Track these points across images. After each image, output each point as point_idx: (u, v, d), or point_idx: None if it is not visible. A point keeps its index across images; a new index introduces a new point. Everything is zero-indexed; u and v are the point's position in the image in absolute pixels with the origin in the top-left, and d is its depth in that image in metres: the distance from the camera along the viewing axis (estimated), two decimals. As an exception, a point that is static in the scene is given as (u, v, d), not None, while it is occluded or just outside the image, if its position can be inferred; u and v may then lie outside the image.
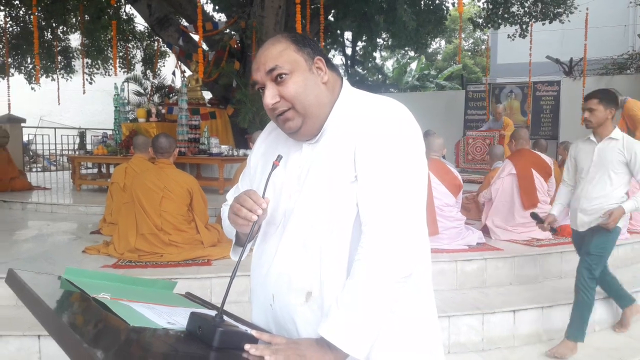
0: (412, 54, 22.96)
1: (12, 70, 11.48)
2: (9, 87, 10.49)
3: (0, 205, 6.68)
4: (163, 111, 8.76)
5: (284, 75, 1.19)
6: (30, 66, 13.37)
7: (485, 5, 11.24)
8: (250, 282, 1.35)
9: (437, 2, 11.83)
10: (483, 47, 24.30)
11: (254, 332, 1.10)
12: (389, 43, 14.50)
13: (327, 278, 1.15)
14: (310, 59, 1.22)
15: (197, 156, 7.45)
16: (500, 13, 10.80)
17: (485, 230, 4.77)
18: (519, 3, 10.76)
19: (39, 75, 9.62)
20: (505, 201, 4.80)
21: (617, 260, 4.27)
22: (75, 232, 5.16)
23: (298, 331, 1.18)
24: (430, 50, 24.47)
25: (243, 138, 8.90)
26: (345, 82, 1.30)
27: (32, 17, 12.22)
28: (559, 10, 10.45)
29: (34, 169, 12.93)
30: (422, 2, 11.74)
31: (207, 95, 10.13)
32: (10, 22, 12.25)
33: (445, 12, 11.92)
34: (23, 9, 12.44)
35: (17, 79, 12.23)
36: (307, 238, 1.19)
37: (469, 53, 24.99)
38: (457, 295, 3.69)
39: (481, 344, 3.38)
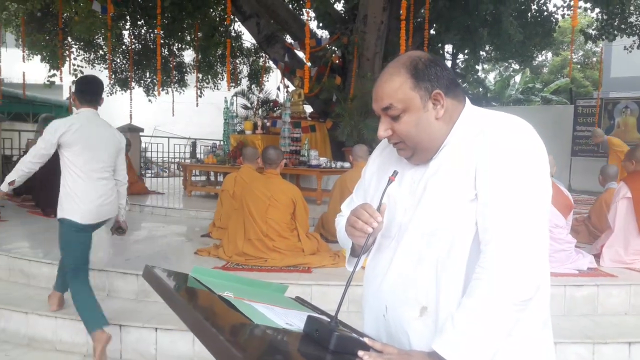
0: (516, 66, 22.02)
1: (132, 84, 12.59)
2: (131, 99, 11.48)
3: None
4: (268, 124, 9.16)
5: (396, 115, 1.22)
6: (149, 80, 14.56)
7: (599, 16, 10.55)
8: (363, 292, 1.39)
9: (545, 13, 11.30)
10: (595, 59, 22.75)
11: (366, 340, 1.13)
12: (492, 55, 14.05)
13: (443, 294, 1.16)
14: (427, 94, 1.21)
15: (297, 167, 7.72)
16: (616, 24, 10.08)
17: (596, 255, 4.47)
18: (638, 12, 9.99)
19: (160, 89, 10.42)
20: (620, 226, 4.46)
21: None
22: (186, 235, 5.55)
23: (410, 344, 1.20)
24: (535, 62, 23.30)
25: (340, 151, 9.06)
26: (468, 103, 1.28)
27: (152, 35, 13.40)
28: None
29: (147, 175, 13.98)
30: (529, 14, 11.28)
31: (308, 108, 10.43)
32: (133, 40, 13.46)
33: (554, 23, 11.34)
34: (144, 27, 13.61)
35: (136, 91, 13.37)
36: (422, 253, 1.20)
37: (579, 66, 23.47)
38: (565, 321, 3.51)
39: (591, 375, 3.19)
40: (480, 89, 22.26)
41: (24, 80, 11.95)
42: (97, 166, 3.33)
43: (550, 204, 3.81)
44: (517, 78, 24.20)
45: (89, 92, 3.47)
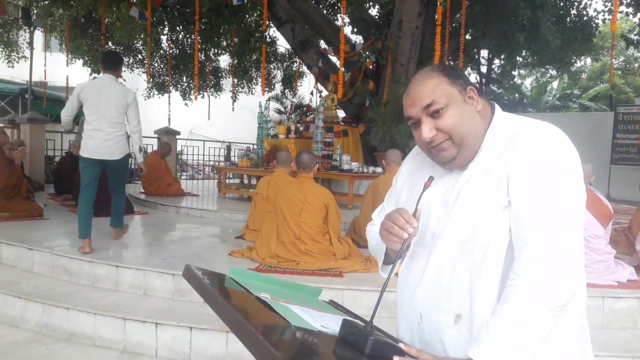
0: (553, 72, 21.56)
1: (170, 88, 12.88)
2: (169, 103, 11.74)
3: (159, 208, 7.52)
4: (301, 128, 9.24)
5: (440, 110, 1.21)
6: (185, 84, 14.87)
7: (641, 21, 10.28)
8: (397, 300, 1.39)
9: (585, 18, 11.04)
10: (636, 65, 22.06)
11: (402, 345, 1.14)
12: (529, 61, 13.81)
13: (477, 302, 1.17)
14: (463, 89, 1.23)
15: (329, 172, 7.75)
16: (659, 29, 9.79)
17: (637, 267, 4.34)
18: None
19: (197, 93, 10.65)
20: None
21: None
22: (220, 236, 5.64)
23: (446, 351, 1.21)
24: (574, 68, 22.78)
25: (372, 156, 9.05)
26: (498, 108, 1.29)
27: (189, 40, 13.69)
28: None
29: (182, 177, 14.25)
30: (568, 19, 11.04)
31: (341, 113, 10.47)
32: (171, 45, 13.78)
33: (594, 28, 11.07)
34: (182, 33, 13.93)
35: (173, 95, 13.66)
36: (456, 261, 1.21)
37: (619, 72, 22.80)
38: (602, 334, 3.42)
39: (630, 389, 3.10)
40: (516, 95, 21.89)
41: (67, 83, 12.39)
42: (104, 118, 4.39)
43: (589, 213, 3.70)
44: (555, 84, 23.68)
45: (110, 61, 4.68)
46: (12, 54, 13.55)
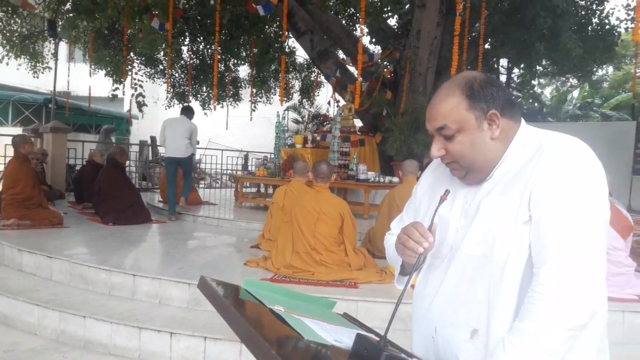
0: (574, 81, 21.29)
1: (190, 97, 13.04)
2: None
3: (176, 217, 7.59)
4: (318, 138, 9.26)
5: (451, 135, 1.22)
6: (205, 94, 15.03)
7: (665, 28, 10.06)
8: (412, 312, 1.38)
9: (607, 27, 10.88)
10: (661, 74, 21.63)
11: None
12: (549, 70, 13.65)
13: (494, 317, 1.15)
14: (483, 114, 1.20)
15: (345, 181, 7.74)
16: (683, 37, 9.57)
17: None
18: None
19: (216, 103, 10.76)
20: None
21: None
22: (236, 245, 5.66)
23: None
24: (595, 77, 22.46)
25: (389, 165, 9.02)
26: (523, 123, 1.27)
27: (209, 51, 13.86)
28: None
29: (201, 186, 14.36)
30: (590, 28, 10.89)
31: (358, 123, 10.46)
32: (192, 55, 13.96)
33: (616, 37, 10.91)
34: (202, 44, 14.11)
35: (193, 105, 13.79)
36: (474, 274, 1.19)
37: (642, 80, 22.38)
38: (623, 350, 3.33)
39: (652, 408, 3.01)
40: (536, 104, 21.64)
41: (89, 93, 12.62)
42: (175, 136, 7.38)
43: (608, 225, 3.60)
44: (575, 93, 23.36)
45: (182, 111, 7.82)
46: (37, 64, 13.85)
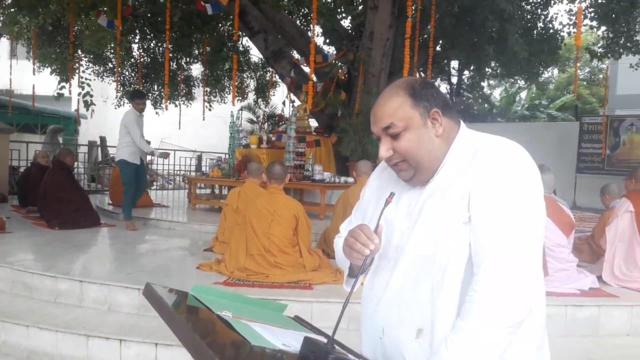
0: (521, 83, 22.08)
1: (140, 96, 12.69)
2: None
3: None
4: (273, 138, 9.21)
5: (398, 133, 1.24)
6: (156, 93, 14.68)
7: (604, 34, 10.59)
8: (361, 313, 1.40)
9: (551, 31, 11.35)
10: (601, 76, 22.75)
11: None
12: (498, 72, 14.10)
13: (438, 316, 1.18)
14: (426, 112, 1.24)
15: (301, 182, 7.74)
16: (621, 42, 10.10)
17: (599, 276, 4.43)
18: (644, 31, 10.03)
19: (168, 102, 10.51)
20: (623, 242, 4.44)
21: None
22: (189, 249, 5.55)
23: None
24: (541, 79, 23.37)
25: (344, 166, 9.08)
26: (463, 126, 1.31)
27: (161, 49, 13.55)
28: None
29: (153, 187, 14.03)
30: (535, 32, 11.33)
31: (313, 123, 10.49)
32: (142, 53, 13.61)
33: (559, 41, 11.39)
34: (153, 41, 13.77)
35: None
36: (418, 275, 1.22)
37: (585, 83, 23.49)
38: (565, 343, 3.48)
39: (592, 398, 3.16)
40: (486, 105, 22.31)
41: (33, 92, 12.09)
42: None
43: (551, 222, 3.77)
44: (523, 94, 24.25)
45: (134, 96, 7.03)
46: (-24, 61, 13.17)
